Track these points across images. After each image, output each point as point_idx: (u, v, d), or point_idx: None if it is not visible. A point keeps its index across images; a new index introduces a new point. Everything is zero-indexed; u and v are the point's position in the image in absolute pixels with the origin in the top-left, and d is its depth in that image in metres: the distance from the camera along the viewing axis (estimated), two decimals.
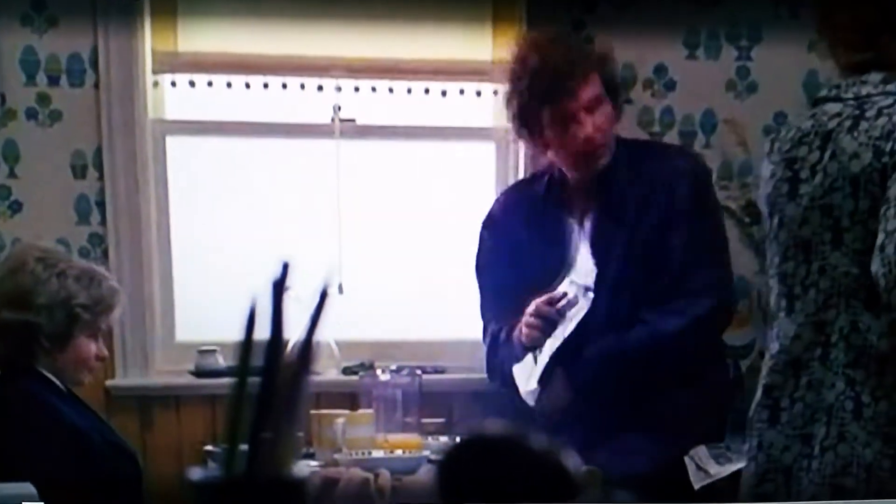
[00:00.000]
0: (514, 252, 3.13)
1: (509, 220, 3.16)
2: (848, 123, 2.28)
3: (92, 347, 2.78)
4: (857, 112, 2.28)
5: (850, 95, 2.32)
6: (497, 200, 3.30)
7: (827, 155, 2.29)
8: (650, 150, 3.20)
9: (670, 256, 3.00)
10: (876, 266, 2.17)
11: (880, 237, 2.18)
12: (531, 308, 3.00)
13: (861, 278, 2.24)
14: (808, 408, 2.29)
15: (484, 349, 3.20)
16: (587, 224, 3.07)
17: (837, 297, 2.27)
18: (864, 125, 2.25)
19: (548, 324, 2.98)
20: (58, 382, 2.73)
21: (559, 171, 3.11)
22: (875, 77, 2.31)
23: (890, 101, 2.26)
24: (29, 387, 2.69)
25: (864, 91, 2.30)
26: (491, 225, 3.22)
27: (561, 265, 3.07)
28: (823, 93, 2.37)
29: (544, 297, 3.00)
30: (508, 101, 3.05)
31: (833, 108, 2.32)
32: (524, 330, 3.01)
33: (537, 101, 2.97)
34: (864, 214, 2.23)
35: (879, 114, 2.25)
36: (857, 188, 2.24)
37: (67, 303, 2.72)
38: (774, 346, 2.36)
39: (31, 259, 2.73)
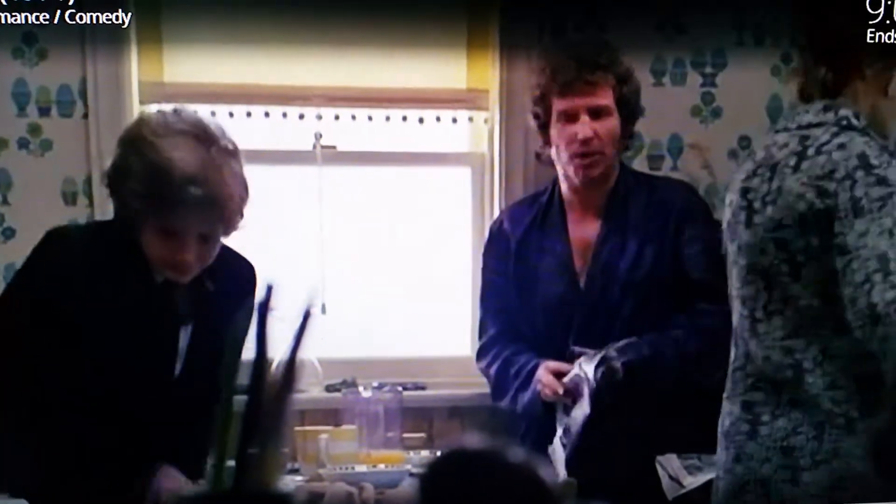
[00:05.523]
0: (518, 265, 3.16)
1: (513, 233, 3.19)
2: (793, 161, 2.27)
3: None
4: (799, 148, 2.27)
5: (794, 125, 2.32)
6: (502, 214, 3.33)
7: (774, 187, 2.29)
8: (657, 182, 3.23)
9: (678, 285, 3.05)
10: (850, 318, 2.15)
11: (848, 290, 2.15)
12: (540, 372, 3.02)
13: (824, 309, 2.23)
14: (790, 422, 2.29)
15: (485, 366, 3.20)
16: (591, 243, 3.11)
17: (805, 326, 2.26)
18: (805, 164, 2.24)
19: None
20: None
21: (559, 189, 3.16)
22: (817, 105, 2.30)
23: (827, 136, 2.25)
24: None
25: (805, 120, 2.30)
26: (495, 237, 3.25)
27: (563, 282, 3.10)
28: (781, 123, 2.37)
29: (553, 367, 3.01)
30: (532, 87, 3.10)
31: (782, 138, 2.32)
32: (539, 388, 3.01)
33: (552, 91, 3.03)
34: (817, 251, 2.22)
35: (818, 152, 2.24)
36: (805, 227, 2.23)
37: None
38: (749, 366, 2.36)
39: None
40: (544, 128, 3.08)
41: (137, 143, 2.52)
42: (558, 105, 3.04)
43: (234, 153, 2.55)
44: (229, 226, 2.57)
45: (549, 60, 3.07)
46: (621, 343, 2.94)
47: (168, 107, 3.22)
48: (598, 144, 3.03)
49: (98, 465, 2.49)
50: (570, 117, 3.03)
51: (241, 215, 2.59)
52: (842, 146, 2.23)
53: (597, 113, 3.03)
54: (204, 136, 2.50)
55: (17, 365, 2.53)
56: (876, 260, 2.13)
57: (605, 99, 3.04)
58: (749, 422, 2.36)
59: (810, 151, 2.26)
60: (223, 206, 2.50)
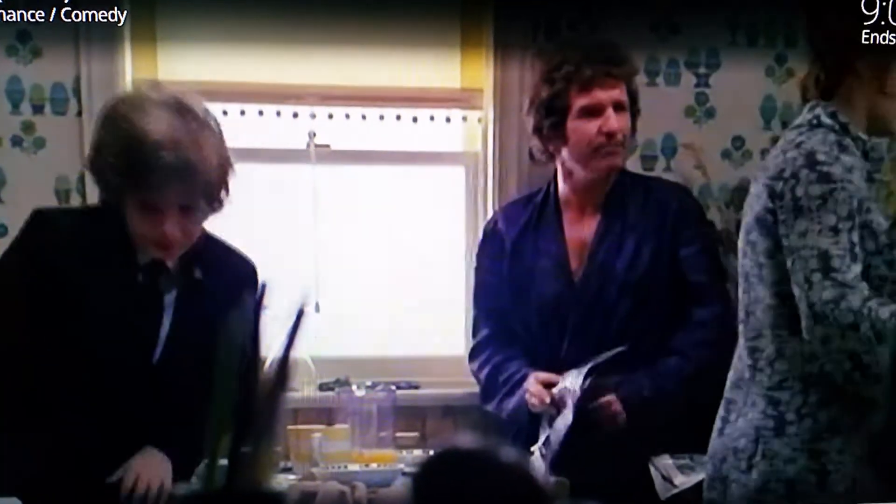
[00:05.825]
0: (513, 265, 3.16)
1: (508, 233, 3.19)
2: (768, 162, 2.30)
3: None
4: (776, 151, 2.30)
5: (789, 128, 2.34)
6: (496, 214, 3.32)
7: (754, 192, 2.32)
8: (652, 183, 3.23)
9: (674, 286, 3.05)
10: (802, 320, 2.19)
11: (794, 290, 2.19)
12: (529, 381, 3.02)
13: (782, 308, 2.26)
14: (745, 422, 2.32)
15: (477, 368, 3.21)
16: (588, 243, 3.11)
17: (768, 326, 2.30)
18: (769, 165, 2.28)
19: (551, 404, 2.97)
20: None
21: (554, 189, 3.16)
22: (807, 106, 2.33)
23: (794, 135, 2.28)
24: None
25: (796, 122, 2.33)
26: (489, 237, 3.25)
27: (559, 282, 3.10)
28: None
29: (542, 377, 3.01)
30: (536, 90, 3.08)
31: (780, 143, 2.34)
32: (527, 398, 3.01)
33: (572, 87, 3.02)
34: (772, 251, 2.25)
35: (781, 152, 2.26)
36: (761, 228, 2.27)
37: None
38: (738, 365, 2.40)
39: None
40: (557, 126, 3.06)
41: (113, 119, 2.52)
42: (580, 101, 3.03)
43: (212, 128, 2.53)
44: (211, 197, 2.55)
45: (566, 57, 3.05)
46: (609, 353, 2.91)
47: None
48: (621, 137, 3.04)
49: (81, 450, 2.49)
50: (594, 112, 3.02)
51: (226, 188, 2.56)
52: (798, 145, 2.25)
53: (617, 107, 3.04)
54: (178, 107, 2.49)
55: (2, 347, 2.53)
56: (816, 259, 2.16)
57: (623, 94, 3.06)
58: (722, 419, 2.40)
59: (775, 153, 2.29)
60: (200, 173, 2.47)
